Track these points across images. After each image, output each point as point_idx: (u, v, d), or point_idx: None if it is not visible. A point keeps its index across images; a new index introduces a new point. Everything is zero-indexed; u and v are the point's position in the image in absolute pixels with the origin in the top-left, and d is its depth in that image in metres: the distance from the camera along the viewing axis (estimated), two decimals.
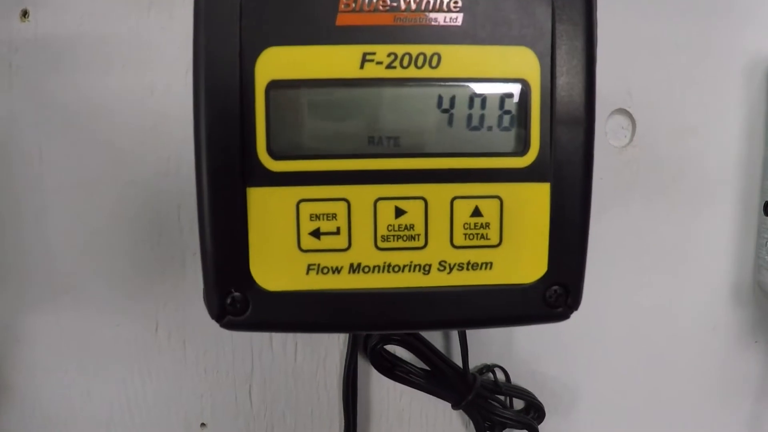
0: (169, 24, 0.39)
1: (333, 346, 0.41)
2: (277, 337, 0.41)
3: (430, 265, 0.27)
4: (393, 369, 0.38)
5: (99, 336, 0.41)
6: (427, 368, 0.39)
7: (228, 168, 0.26)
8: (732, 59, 0.42)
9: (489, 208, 0.27)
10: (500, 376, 0.42)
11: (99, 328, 0.41)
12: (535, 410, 0.41)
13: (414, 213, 0.26)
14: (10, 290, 0.41)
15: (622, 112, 0.41)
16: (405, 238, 0.27)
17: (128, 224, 0.40)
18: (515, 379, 0.42)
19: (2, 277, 0.41)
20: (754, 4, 0.41)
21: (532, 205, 0.27)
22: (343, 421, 0.40)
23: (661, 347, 0.44)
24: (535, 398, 0.41)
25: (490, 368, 0.41)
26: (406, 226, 0.26)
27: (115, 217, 0.40)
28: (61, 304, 0.41)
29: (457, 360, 0.39)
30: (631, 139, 0.41)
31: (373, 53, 0.25)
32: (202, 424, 0.42)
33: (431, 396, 0.40)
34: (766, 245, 0.42)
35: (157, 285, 0.41)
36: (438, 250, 0.27)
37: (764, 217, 0.42)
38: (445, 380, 0.39)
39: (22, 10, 0.39)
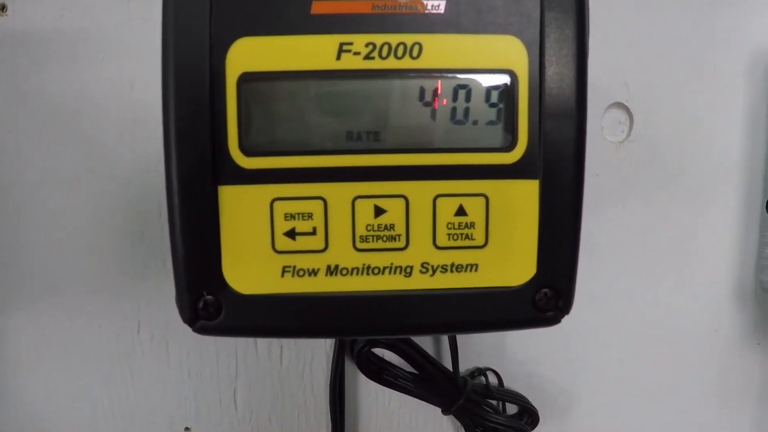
0: (150, 15, 0.38)
1: (319, 349, 0.40)
2: (263, 339, 0.40)
3: (411, 267, 0.26)
4: (380, 373, 0.37)
5: (81, 336, 0.40)
6: (416, 372, 0.37)
7: (198, 165, 0.24)
8: (734, 51, 0.41)
9: (474, 207, 0.25)
10: (493, 379, 0.40)
11: (81, 328, 0.40)
12: (528, 415, 0.40)
13: (394, 212, 0.25)
14: None
15: (619, 106, 0.40)
16: (385, 238, 0.25)
17: (109, 221, 0.39)
18: (508, 383, 0.41)
19: None
20: None
21: (520, 203, 0.25)
22: (330, 425, 0.39)
23: (661, 349, 0.43)
24: (528, 403, 0.40)
25: (482, 371, 0.40)
26: (386, 225, 0.25)
27: (95, 215, 0.39)
28: (42, 303, 0.40)
29: (448, 363, 0.38)
30: (629, 134, 0.40)
31: (351, 43, 0.24)
32: (186, 429, 0.41)
33: (421, 401, 0.39)
34: None
35: (139, 284, 0.40)
36: (420, 251, 0.25)
37: (767, 214, 0.41)
38: (435, 384, 0.37)
39: (0, 4, 0.38)
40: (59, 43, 0.39)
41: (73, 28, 0.39)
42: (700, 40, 0.40)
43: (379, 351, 0.37)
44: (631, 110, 0.40)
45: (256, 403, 0.40)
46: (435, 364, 0.37)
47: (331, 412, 0.39)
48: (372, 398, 0.40)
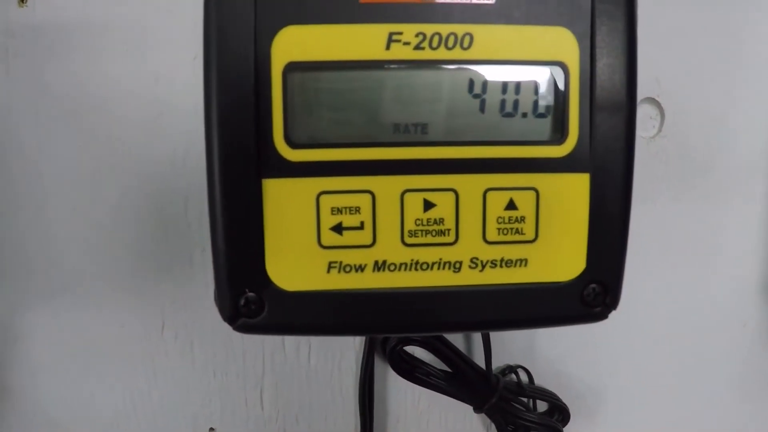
0: (175, 6, 0.38)
1: (348, 347, 0.39)
2: (290, 338, 0.39)
3: (461, 263, 0.25)
4: (413, 371, 0.36)
5: (103, 336, 0.40)
6: (449, 370, 0.37)
7: (242, 158, 0.24)
8: (764, 46, 0.40)
9: (524, 201, 0.25)
10: (523, 377, 0.40)
11: (103, 327, 0.40)
12: (559, 412, 0.40)
13: (444, 206, 0.25)
14: (8, 288, 0.40)
15: (651, 101, 0.39)
16: (434, 233, 0.25)
17: (133, 219, 0.39)
18: (539, 380, 0.41)
19: (0, 274, 0.40)
20: None
21: (570, 197, 0.25)
22: (359, 425, 0.39)
23: (689, 346, 0.43)
24: (559, 400, 0.40)
25: (513, 369, 0.40)
26: (435, 220, 0.25)
27: (118, 212, 0.39)
28: (63, 302, 0.40)
29: (479, 361, 0.38)
30: (660, 129, 0.40)
31: (400, 33, 0.23)
32: (211, 429, 0.40)
33: (451, 399, 0.38)
34: None
35: (164, 283, 0.39)
36: (470, 246, 0.25)
37: None
38: (467, 382, 0.37)
39: None
40: (81, 34, 0.38)
41: (96, 19, 0.38)
42: (731, 36, 0.40)
43: (409, 349, 0.37)
44: (662, 105, 0.39)
45: (282, 403, 0.40)
46: (468, 362, 0.37)
47: (360, 412, 0.38)
48: (401, 397, 0.40)
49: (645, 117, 0.40)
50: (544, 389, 0.40)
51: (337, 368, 0.40)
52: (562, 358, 0.41)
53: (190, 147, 0.38)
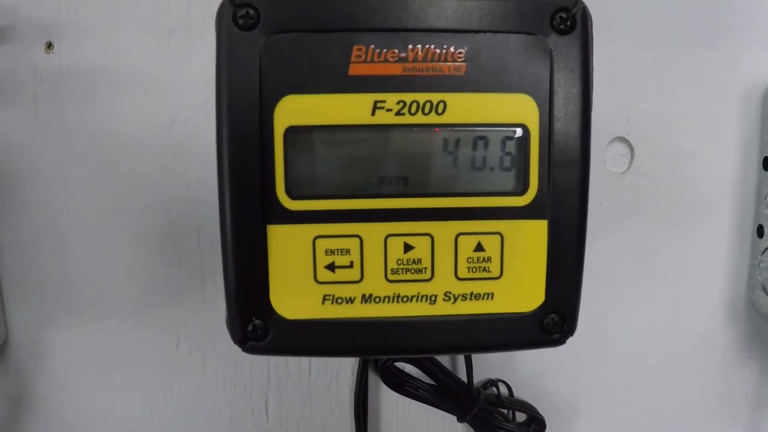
0: (188, 55, 0.41)
1: (344, 363, 0.43)
2: None
3: (436, 296, 0.29)
4: (402, 385, 0.40)
5: (122, 352, 0.43)
6: (434, 383, 0.41)
7: (249, 207, 0.28)
8: (728, 85, 0.43)
9: (491, 244, 0.29)
10: (503, 390, 0.44)
11: (122, 344, 0.43)
12: (536, 423, 0.43)
13: (421, 248, 0.28)
14: (37, 308, 0.43)
15: (621, 140, 0.43)
16: (413, 271, 0.29)
17: (150, 246, 0.42)
18: (518, 393, 0.44)
19: (28, 294, 0.43)
20: (751, 33, 0.43)
21: (531, 240, 0.29)
22: None
23: (659, 363, 0.46)
24: (536, 411, 0.43)
25: (493, 383, 0.43)
26: (414, 260, 0.28)
27: (137, 240, 0.42)
28: (85, 321, 0.43)
29: (463, 375, 0.41)
30: (630, 166, 0.43)
31: (384, 101, 0.27)
32: None
33: (437, 409, 0.42)
34: (759, 266, 0.43)
35: (179, 303, 0.43)
36: (443, 281, 0.29)
37: (757, 239, 0.44)
38: (451, 395, 0.41)
39: (46, 42, 0.41)
40: (103, 79, 0.41)
41: (116, 66, 0.41)
42: (697, 76, 0.43)
43: (399, 364, 0.41)
44: (632, 144, 0.43)
45: (285, 413, 0.44)
46: (451, 377, 0.41)
47: (355, 421, 0.42)
48: (392, 408, 0.44)
49: (616, 154, 0.43)
50: (523, 401, 0.44)
51: (335, 382, 0.43)
52: (540, 372, 0.45)
53: (202, 183, 0.41)
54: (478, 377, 0.43)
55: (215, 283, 0.42)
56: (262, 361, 0.43)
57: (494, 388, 0.43)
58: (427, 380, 0.41)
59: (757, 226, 0.44)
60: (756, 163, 0.44)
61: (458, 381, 0.41)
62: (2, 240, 0.42)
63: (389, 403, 0.43)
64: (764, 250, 0.43)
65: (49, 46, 0.41)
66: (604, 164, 0.43)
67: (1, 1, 0.40)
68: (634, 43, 0.42)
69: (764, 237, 0.43)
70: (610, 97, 0.42)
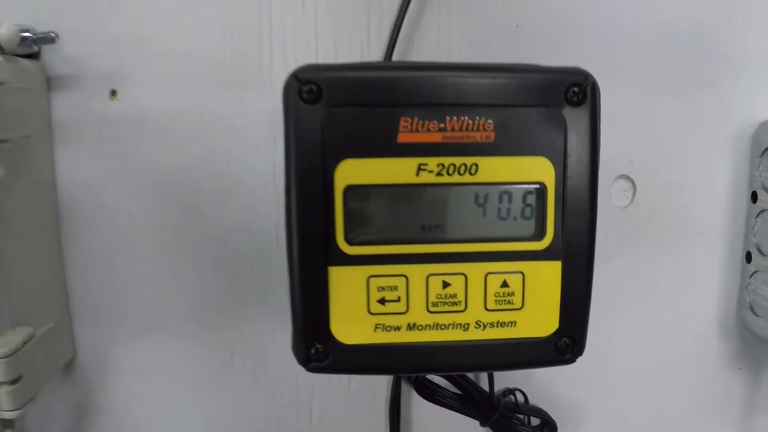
0: (242, 103, 0.45)
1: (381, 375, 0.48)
2: None
3: (468, 324, 0.34)
4: (432, 394, 0.45)
5: (181, 364, 0.48)
6: (460, 392, 0.46)
7: (314, 252, 0.33)
8: (720, 127, 0.48)
9: (514, 281, 0.34)
10: (520, 398, 0.49)
11: (181, 357, 0.47)
12: (549, 427, 0.48)
13: (457, 285, 0.34)
14: (103, 327, 0.47)
15: (625, 177, 0.48)
16: (449, 303, 0.34)
17: (206, 272, 0.46)
18: (533, 401, 0.49)
19: (95, 314, 0.47)
20: (738, 79, 0.48)
21: (547, 277, 0.34)
22: None
23: (658, 372, 0.51)
24: (549, 417, 0.49)
25: (511, 391, 0.49)
26: (450, 295, 0.34)
27: (196, 267, 0.46)
28: (148, 338, 0.47)
29: (485, 385, 0.46)
30: (632, 200, 0.48)
31: (426, 164, 0.33)
32: None
33: (462, 415, 0.47)
34: (747, 288, 0.49)
35: (233, 320, 0.47)
36: (475, 312, 0.34)
37: (746, 264, 0.49)
38: (474, 402, 0.46)
39: (110, 90, 0.44)
40: (163, 121, 0.44)
41: (175, 108, 0.45)
42: (691, 119, 0.48)
43: (430, 376, 0.46)
44: (634, 180, 0.48)
45: (327, 419, 0.49)
46: (475, 386, 0.46)
47: (389, 426, 0.48)
48: (423, 414, 0.49)
49: (620, 190, 0.48)
50: (537, 407, 0.49)
51: (372, 391, 0.48)
52: (552, 382, 0.50)
53: (256, 217, 0.45)
54: (498, 386, 0.48)
55: (265, 304, 0.47)
56: (306, 373, 0.48)
57: (512, 396, 0.49)
58: (454, 390, 0.46)
59: (746, 252, 0.49)
60: (745, 196, 0.49)
61: (481, 390, 0.46)
62: (71, 266, 0.46)
63: (420, 410, 0.48)
64: (752, 274, 0.49)
65: (113, 93, 0.44)
66: (610, 198, 0.48)
67: (70, 53, 0.44)
68: (635, 91, 0.47)
69: (752, 262, 0.49)
70: (616, 140, 0.46)
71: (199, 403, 0.49)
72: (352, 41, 0.46)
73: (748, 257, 0.49)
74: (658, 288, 0.50)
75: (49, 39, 0.43)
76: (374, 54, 0.46)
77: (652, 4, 0.46)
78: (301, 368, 0.47)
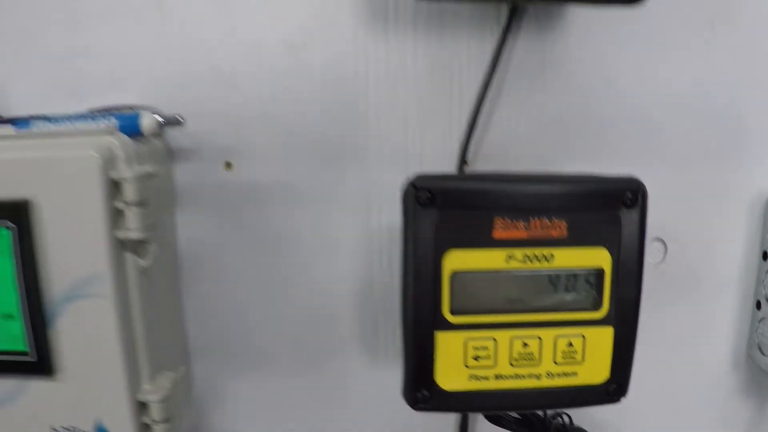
0: (342, 179, 0.51)
1: None
2: None
3: (540, 374, 0.44)
4: (499, 419, 0.56)
5: (290, 401, 0.54)
6: (519, 417, 0.56)
7: (425, 320, 0.43)
8: (738, 197, 0.56)
9: (577, 342, 0.44)
10: (566, 420, 0.59)
11: (290, 393, 0.54)
12: None
13: (533, 346, 0.44)
14: (215, 364, 0.53)
15: (658, 239, 0.57)
16: (527, 359, 0.44)
17: (312, 318, 0.53)
18: (576, 422, 0.58)
19: (210, 350, 0.53)
20: (754, 156, 0.56)
21: (602, 339, 0.44)
22: None
23: (680, 398, 0.60)
24: None
25: (559, 414, 0.59)
26: (528, 353, 0.44)
27: (300, 313, 0.52)
28: (258, 371, 0.53)
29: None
30: (664, 258, 0.57)
31: (513, 254, 0.42)
32: None
33: None
34: (756, 331, 0.59)
35: (334, 361, 0.55)
36: (546, 365, 0.44)
37: (756, 311, 0.59)
38: (531, 425, 0.56)
39: (225, 162, 0.49)
40: (274, 190, 0.49)
41: (284, 179, 0.50)
42: (713, 189, 0.56)
43: None
44: (666, 242, 0.57)
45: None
46: (531, 412, 0.56)
47: None
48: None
49: (654, 250, 0.57)
50: (580, 428, 0.58)
51: (444, 415, 0.58)
52: (593, 408, 0.58)
53: (356, 280, 0.53)
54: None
55: (365, 345, 0.55)
56: (400, 404, 0.52)
57: (560, 418, 0.59)
58: (514, 414, 0.56)
59: (756, 301, 0.59)
60: (757, 255, 0.58)
61: (536, 414, 0.56)
62: (190, 310, 0.52)
63: (483, 428, 0.59)
64: (761, 319, 0.58)
65: (228, 165, 0.49)
66: (645, 258, 0.57)
67: (189, 129, 0.48)
68: (670, 169, 0.55)
69: (761, 309, 0.58)
70: (651, 208, 0.55)
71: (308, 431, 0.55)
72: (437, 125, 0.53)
73: (758, 305, 0.58)
74: (683, 329, 0.59)
75: (175, 121, 0.47)
76: (455, 133, 0.53)
77: (682, 102, 0.55)
78: (394, 398, 0.56)
